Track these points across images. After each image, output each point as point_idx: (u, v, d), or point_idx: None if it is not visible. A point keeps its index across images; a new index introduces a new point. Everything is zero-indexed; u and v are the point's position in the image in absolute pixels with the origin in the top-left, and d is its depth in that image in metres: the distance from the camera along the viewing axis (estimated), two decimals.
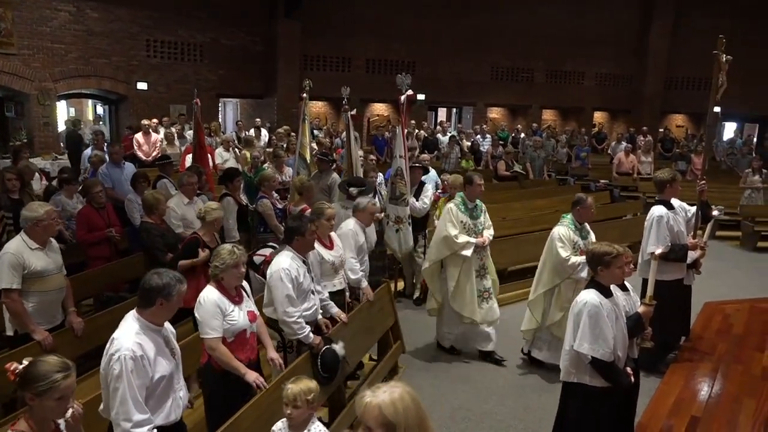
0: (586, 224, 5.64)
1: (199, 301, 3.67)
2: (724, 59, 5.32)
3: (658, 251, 4.41)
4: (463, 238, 5.71)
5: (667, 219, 5.59)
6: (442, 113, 23.04)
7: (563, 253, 5.37)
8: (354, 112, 8.63)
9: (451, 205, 5.92)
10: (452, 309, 5.93)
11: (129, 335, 2.93)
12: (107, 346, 2.94)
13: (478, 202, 5.99)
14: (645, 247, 5.71)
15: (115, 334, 2.96)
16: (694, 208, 5.75)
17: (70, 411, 2.47)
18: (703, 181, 5.76)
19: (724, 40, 5.34)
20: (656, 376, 5.57)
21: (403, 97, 6.96)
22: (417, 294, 7.65)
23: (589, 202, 5.58)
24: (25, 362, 2.45)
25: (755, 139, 19.56)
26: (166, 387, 3.05)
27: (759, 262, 10.20)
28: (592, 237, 5.60)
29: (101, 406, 2.99)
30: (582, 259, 5.12)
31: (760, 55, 19.68)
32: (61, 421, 2.52)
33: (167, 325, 3.26)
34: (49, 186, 8.03)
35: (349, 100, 8.32)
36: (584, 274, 5.10)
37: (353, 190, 6.63)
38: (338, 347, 4.29)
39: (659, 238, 5.53)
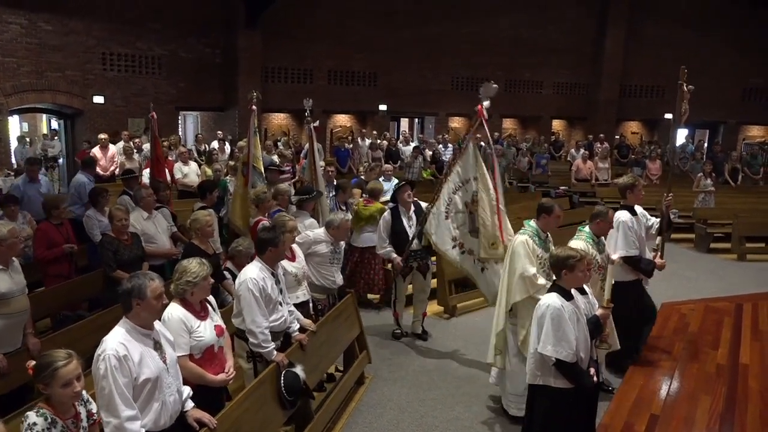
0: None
1: (163, 318, 3.56)
2: (686, 89, 5.46)
3: (624, 254, 4.37)
4: (541, 280, 4.73)
5: (632, 224, 5.68)
6: (404, 123, 23.20)
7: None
8: (317, 123, 8.60)
9: (525, 237, 4.92)
10: (519, 364, 4.82)
11: (115, 337, 3.00)
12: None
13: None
14: (610, 251, 5.82)
15: (104, 338, 3.02)
16: (654, 219, 5.90)
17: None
18: (670, 196, 5.88)
19: (686, 71, 5.47)
20: (617, 376, 5.71)
21: (486, 103, 5.70)
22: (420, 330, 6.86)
23: (610, 216, 5.20)
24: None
25: (705, 145, 20.26)
26: (152, 390, 3.04)
27: (712, 263, 10.55)
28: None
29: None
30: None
31: (710, 63, 20.48)
32: (82, 410, 2.82)
33: (162, 330, 3.29)
34: None
35: (311, 112, 8.31)
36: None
37: (294, 198, 6.63)
38: (298, 369, 4.24)
39: (627, 242, 5.59)
